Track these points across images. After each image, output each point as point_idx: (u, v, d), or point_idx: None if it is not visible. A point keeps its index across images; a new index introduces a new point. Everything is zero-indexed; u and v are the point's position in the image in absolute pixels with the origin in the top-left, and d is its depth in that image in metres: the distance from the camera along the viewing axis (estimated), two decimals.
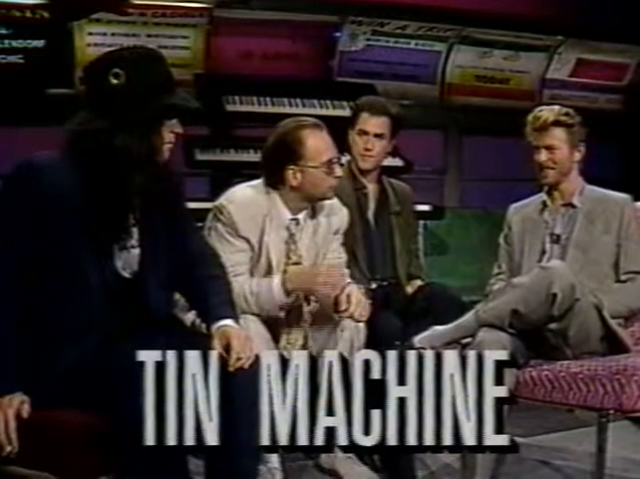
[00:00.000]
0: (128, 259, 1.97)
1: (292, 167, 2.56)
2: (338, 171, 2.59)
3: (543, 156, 2.71)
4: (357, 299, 2.49)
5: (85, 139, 1.90)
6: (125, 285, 1.96)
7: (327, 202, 2.70)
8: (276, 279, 2.49)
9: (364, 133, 3.02)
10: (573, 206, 2.77)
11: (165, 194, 2.00)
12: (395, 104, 3.19)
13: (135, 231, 1.97)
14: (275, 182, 2.59)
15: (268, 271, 2.59)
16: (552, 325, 2.48)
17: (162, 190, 1.98)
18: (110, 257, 1.94)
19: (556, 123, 2.71)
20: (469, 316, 2.55)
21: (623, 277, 2.69)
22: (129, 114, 1.89)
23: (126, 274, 1.97)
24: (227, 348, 1.90)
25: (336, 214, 2.73)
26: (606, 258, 2.69)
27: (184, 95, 2.00)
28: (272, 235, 2.58)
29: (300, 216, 2.63)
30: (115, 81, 1.89)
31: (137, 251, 1.98)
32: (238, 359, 1.88)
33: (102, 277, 1.92)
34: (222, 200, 2.58)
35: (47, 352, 1.88)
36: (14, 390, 1.83)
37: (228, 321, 1.99)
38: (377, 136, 3.01)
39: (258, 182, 2.65)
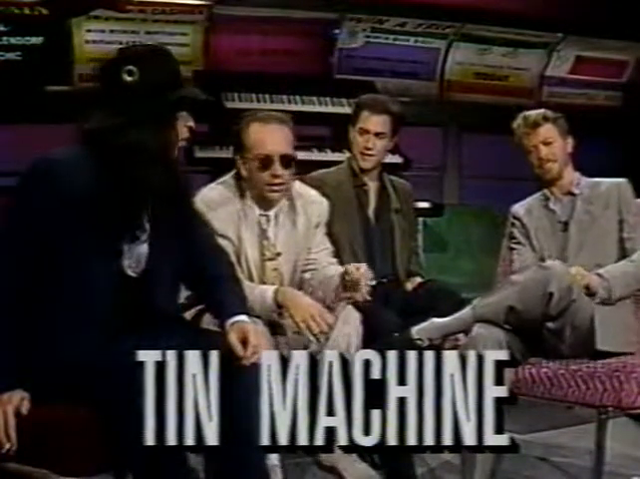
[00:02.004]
0: (136, 257, 1.98)
1: (238, 156, 2.59)
2: (276, 170, 2.52)
3: (543, 151, 2.79)
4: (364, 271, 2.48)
5: (101, 136, 1.92)
6: (131, 284, 1.96)
7: (305, 194, 2.69)
8: (270, 291, 2.48)
9: (365, 131, 3.01)
10: (573, 193, 2.83)
11: (176, 191, 2.01)
12: (396, 102, 3.18)
13: (146, 226, 1.98)
14: (236, 172, 2.62)
15: (248, 267, 2.60)
16: (549, 324, 2.50)
17: (174, 185, 2.00)
18: (118, 256, 1.95)
19: (545, 119, 2.82)
20: (466, 310, 2.57)
21: (634, 257, 2.69)
22: (143, 109, 1.91)
23: (132, 273, 1.98)
24: (243, 343, 1.93)
25: (314, 207, 2.71)
26: (608, 234, 2.74)
27: (193, 89, 2.04)
28: (247, 230, 2.59)
29: (271, 212, 2.63)
30: (128, 78, 1.92)
31: (145, 248, 1.99)
32: (254, 354, 1.90)
33: (107, 276, 1.92)
34: (196, 202, 2.58)
35: (49, 349, 1.88)
36: (14, 387, 1.83)
37: (243, 317, 2.02)
38: (378, 134, 3.00)
39: (228, 178, 2.65)
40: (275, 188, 2.55)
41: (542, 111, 2.86)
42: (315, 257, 2.70)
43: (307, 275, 2.69)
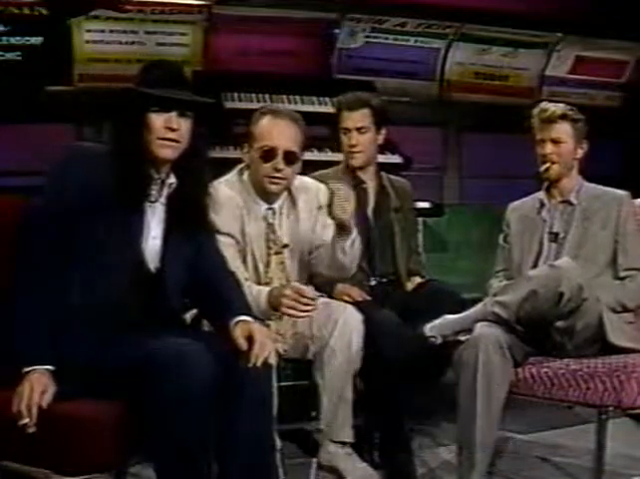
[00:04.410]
0: (152, 253, 2.02)
1: (246, 146, 2.63)
2: (278, 164, 2.54)
3: (549, 148, 2.73)
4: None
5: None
6: (147, 280, 2.01)
7: (303, 183, 2.70)
8: (264, 292, 2.48)
9: (347, 130, 3.02)
10: (571, 203, 2.78)
11: (191, 194, 2.07)
12: (375, 96, 3.20)
13: (160, 224, 2.03)
14: (240, 169, 2.65)
15: (255, 264, 2.60)
16: (559, 323, 2.49)
17: (190, 190, 2.06)
18: (133, 249, 1.99)
19: (563, 117, 2.74)
20: (478, 307, 2.57)
21: (622, 274, 2.69)
22: (124, 105, 2.00)
23: (152, 269, 2.02)
24: (249, 341, 1.96)
25: (313, 191, 2.72)
26: (602, 254, 2.69)
27: (176, 91, 2.03)
28: (252, 227, 2.60)
29: (276, 204, 2.64)
30: (137, 81, 2.02)
31: (159, 243, 2.03)
32: (262, 351, 1.93)
33: (124, 269, 1.95)
34: None
35: (68, 341, 1.89)
36: (45, 364, 1.83)
37: (248, 318, 2.05)
38: (359, 129, 3.01)
39: (230, 176, 2.67)
40: (275, 181, 2.57)
41: (563, 108, 2.76)
42: (320, 236, 2.68)
43: (314, 255, 2.68)
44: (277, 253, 2.63)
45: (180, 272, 2.06)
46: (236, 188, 2.62)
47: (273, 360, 2.00)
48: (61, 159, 2.00)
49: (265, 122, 2.59)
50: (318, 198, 2.73)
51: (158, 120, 1.99)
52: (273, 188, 2.58)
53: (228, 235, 2.55)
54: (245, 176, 2.64)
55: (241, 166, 2.66)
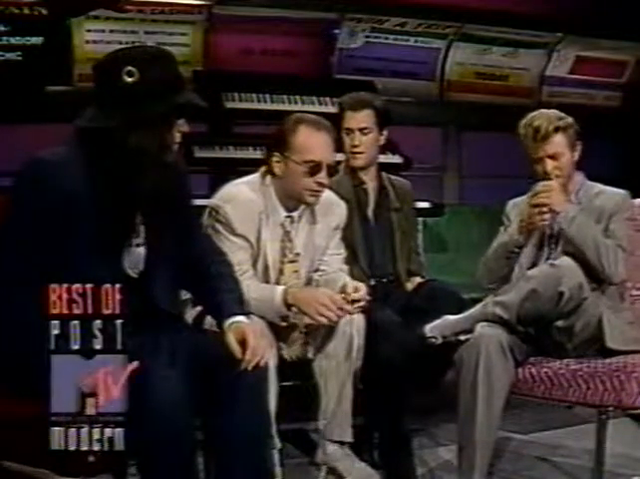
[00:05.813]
0: (134, 258, 1.97)
1: (278, 155, 2.55)
2: (322, 178, 2.52)
3: (549, 165, 2.66)
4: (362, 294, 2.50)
5: (97, 136, 1.88)
6: (132, 285, 1.95)
7: (324, 197, 2.68)
8: (279, 290, 2.47)
9: (350, 130, 3.01)
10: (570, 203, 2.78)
11: (173, 192, 2.00)
12: (378, 97, 3.20)
13: (141, 229, 1.98)
14: (267, 169, 2.60)
15: (265, 270, 2.59)
16: (559, 322, 2.49)
17: (170, 188, 1.98)
18: (117, 256, 1.94)
19: (556, 130, 2.67)
20: (478, 307, 2.56)
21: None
22: (143, 111, 1.87)
23: (132, 274, 1.97)
24: (242, 344, 1.93)
25: (334, 209, 2.72)
26: None
27: (194, 94, 1.99)
28: (268, 232, 2.57)
29: (295, 213, 2.62)
30: (129, 79, 1.88)
31: (142, 250, 1.98)
32: (254, 356, 1.90)
33: (109, 276, 1.91)
34: (217, 199, 2.57)
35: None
36: None
37: (242, 318, 2.01)
38: (362, 130, 3.00)
39: (253, 177, 2.63)
40: (317, 194, 2.54)
41: (553, 120, 2.68)
42: (327, 260, 2.71)
43: (316, 275, 2.69)
44: (292, 262, 2.62)
45: (167, 272, 2.01)
46: (258, 191, 2.58)
47: (271, 360, 1.98)
48: (20, 179, 1.89)
49: (306, 134, 2.53)
50: (339, 216, 2.73)
51: (176, 126, 1.93)
52: (313, 199, 2.56)
53: (243, 237, 2.53)
54: (268, 180, 2.59)
55: (264, 169, 2.61)
